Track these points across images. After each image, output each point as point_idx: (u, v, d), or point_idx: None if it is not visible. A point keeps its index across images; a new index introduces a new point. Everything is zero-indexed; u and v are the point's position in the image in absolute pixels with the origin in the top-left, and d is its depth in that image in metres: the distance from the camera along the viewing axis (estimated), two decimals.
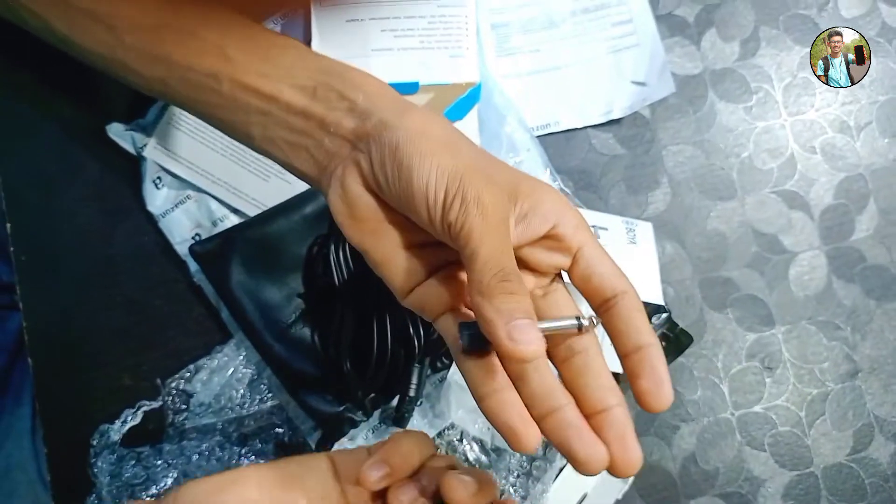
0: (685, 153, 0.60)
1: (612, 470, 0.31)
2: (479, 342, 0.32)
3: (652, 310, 0.56)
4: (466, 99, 0.54)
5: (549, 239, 0.35)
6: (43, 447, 0.52)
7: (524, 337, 0.29)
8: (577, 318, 0.34)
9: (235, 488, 0.34)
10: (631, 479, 0.55)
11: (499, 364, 0.32)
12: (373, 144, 0.34)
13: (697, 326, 0.58)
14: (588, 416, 0.32)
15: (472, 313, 0.34)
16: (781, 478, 0.58)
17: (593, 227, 0.54)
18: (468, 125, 0.55)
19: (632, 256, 0.55)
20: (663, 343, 0.56)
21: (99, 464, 0.51)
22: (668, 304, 0.57)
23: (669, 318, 0.56)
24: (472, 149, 0.35)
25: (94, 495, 0.51)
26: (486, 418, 0.32)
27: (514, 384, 0.32)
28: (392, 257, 0.35)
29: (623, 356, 0.33)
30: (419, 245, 0.36)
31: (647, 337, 0.33)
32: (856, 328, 0.60)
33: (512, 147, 0.57)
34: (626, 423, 0.32)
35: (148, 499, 0.49)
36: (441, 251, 0.36)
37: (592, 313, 0.35)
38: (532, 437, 0.30)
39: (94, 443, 0.51)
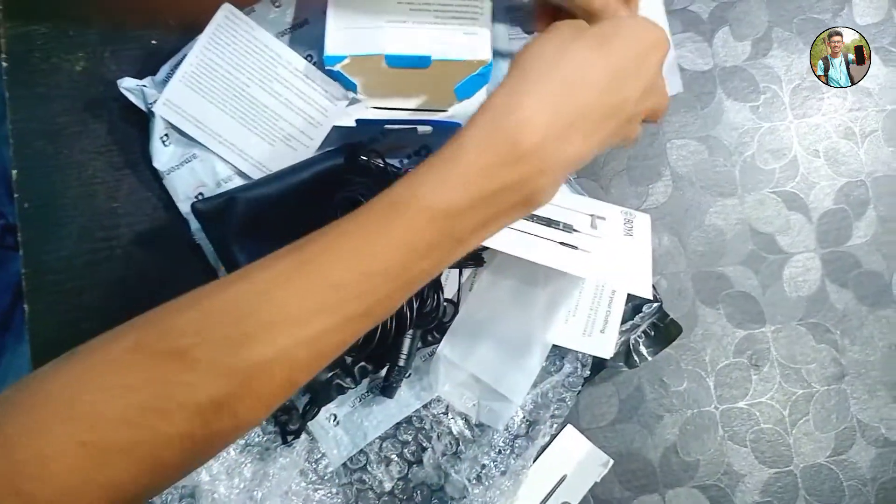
0: (689, 147, 0.61)
1: None
2: None
3: (641, 302, 0.57)
4: (476, 77, 0.54)
5: None
6: None
7: None
8: None
9: None
10: (610, 464, 0.56)
11: None
12: None
13: (688, 319, 0.59)
14: None
15: None
16: (760, 474, 0.58)
17: (591, 216, 0.55)
18: (475, 104, 0.55)
19: (626, 249, 0.55)
20: (652, 333, 0.57)
21: None
22: (660, 296, 0.57)
23: (661, 308, 0.57)
24: None
25: None
26: None
27: None
28: None
29: None
30: None
31: None
32: (846, 332, 0.60)
33: None
34: None
35: None
36: None
37: None
38: None
39: None
